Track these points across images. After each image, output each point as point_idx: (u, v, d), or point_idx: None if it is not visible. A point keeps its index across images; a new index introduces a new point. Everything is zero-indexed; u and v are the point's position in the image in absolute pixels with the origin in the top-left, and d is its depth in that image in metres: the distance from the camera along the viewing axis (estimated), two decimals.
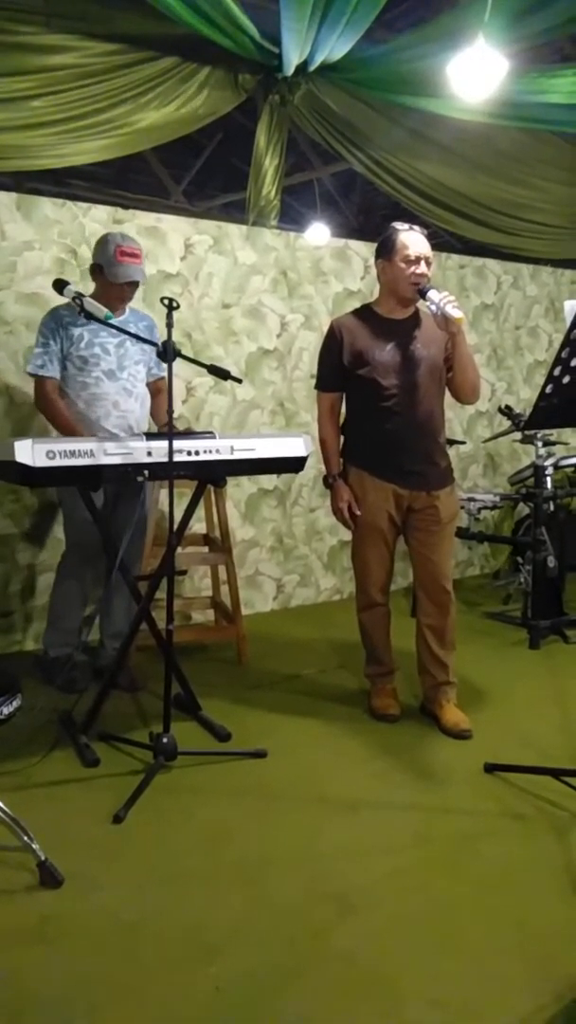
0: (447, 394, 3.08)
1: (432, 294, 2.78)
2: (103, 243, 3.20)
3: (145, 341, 2.90)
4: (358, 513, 3.04)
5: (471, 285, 5.41)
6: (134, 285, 3.25)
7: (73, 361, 3.20)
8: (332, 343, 3.05)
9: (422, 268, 2.87)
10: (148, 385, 3.41)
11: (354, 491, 3.06)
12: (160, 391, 3.36)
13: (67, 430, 3.17)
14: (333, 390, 3.12)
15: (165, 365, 2.59)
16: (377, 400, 2.96)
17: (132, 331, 3.04)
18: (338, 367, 3.04)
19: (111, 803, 2.44)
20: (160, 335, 2.91)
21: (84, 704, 2.98)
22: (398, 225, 2.95)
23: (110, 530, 2.96)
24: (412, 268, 2.87)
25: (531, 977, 1.79)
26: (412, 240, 2.89)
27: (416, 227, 2.94)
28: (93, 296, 3.17)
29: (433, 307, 2.78)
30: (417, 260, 2.87)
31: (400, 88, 4.48)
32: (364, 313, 3.07)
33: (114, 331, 3.06)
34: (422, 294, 2.84)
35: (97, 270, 3.21)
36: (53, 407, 3.21)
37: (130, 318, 3.30)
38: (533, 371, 5.78)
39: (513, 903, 2.05)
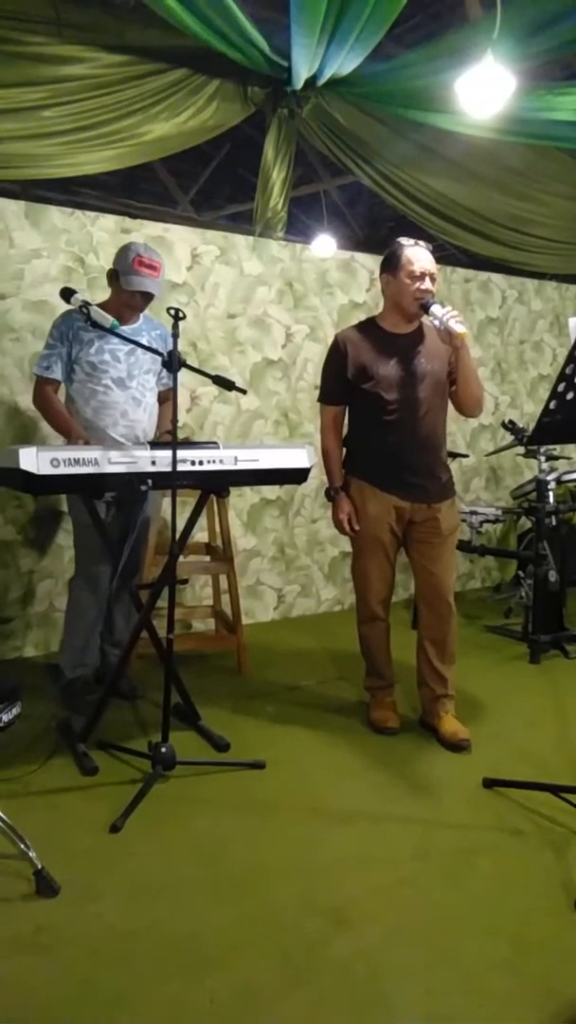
0: (450, 407, 3.10)
1: (435, 309, 2.80)
2: (124, 250, 3.15)
3: (151, 351, 2.88)
4: (357, 528, 3.05)
5: (476, 299, 5.44)
6: (147, 297, 3.18)
7: (82, 366, 3.15)
8: (336, 356, 3.06)
9: (427, 284, 2.88)
10: (158, 394, 3.37)
11: (355, 503, 3.06)
12: (168, 399, 3.34)
13: (62, 427, 3.14)
14: (336, 403, 3.13)
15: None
16: (380, 414, 2.97)
17: (144, 340, 3.03)
18: (342, 380, 3.04)
19: (109, 812, 2.44)
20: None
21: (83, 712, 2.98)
22: (404, 240, 2.96)
23: (112, 538, 2.97)
24: (417, 284, 2.87)
25: (526, 994, 1.79)
26: (417, 256, 2.90)
27: (421, 242, 2.95)
28: (106, 302, 3.16)
29: (436, 322, 2.79)
30: (422, 276, 2.87)
31: (408, 103, 4.51)
32: (368, 327, 3.08)
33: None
34: (425, 308, 2.85)
35: (113, 276, 3.17)
36: (49, 405, 3.17)
37: (143, 327, 3.26)
38: (537, 385, 5.79)
39: (510, 919, 2.05)
